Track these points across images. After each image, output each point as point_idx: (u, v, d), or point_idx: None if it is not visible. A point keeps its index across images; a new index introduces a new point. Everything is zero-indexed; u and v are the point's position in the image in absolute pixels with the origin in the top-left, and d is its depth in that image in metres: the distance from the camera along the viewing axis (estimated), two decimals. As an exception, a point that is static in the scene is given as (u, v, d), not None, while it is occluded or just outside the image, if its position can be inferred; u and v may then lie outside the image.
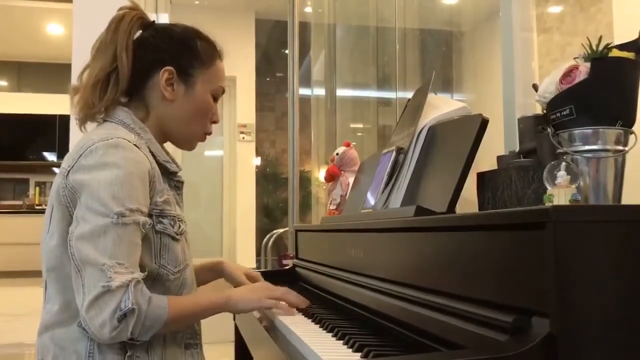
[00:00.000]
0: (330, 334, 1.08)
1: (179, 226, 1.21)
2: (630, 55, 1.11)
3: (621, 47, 1.13)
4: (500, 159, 1.31)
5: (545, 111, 1.20)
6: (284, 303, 1.29)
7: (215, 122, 1.34)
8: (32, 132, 8.37)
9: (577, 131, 1.11)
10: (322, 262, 1.67)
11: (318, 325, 1.17)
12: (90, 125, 1.27)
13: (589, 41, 1.14)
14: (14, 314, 5.25)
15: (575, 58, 1.17)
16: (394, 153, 1.34)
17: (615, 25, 1.87)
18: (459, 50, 5.00)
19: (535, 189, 1.11)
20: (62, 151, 8.04)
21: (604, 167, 1.11)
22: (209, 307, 1.20)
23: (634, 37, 1.13)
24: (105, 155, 1.11)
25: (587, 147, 1.11)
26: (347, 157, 2.13)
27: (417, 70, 4.55)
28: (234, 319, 1.74)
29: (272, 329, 1.26)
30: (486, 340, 0.74)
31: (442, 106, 1.33)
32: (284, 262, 2.58)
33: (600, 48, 1.12)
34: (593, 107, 1.10)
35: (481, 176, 1.24)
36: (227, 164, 6.65)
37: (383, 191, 1.35)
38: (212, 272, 1.51)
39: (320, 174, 4.48)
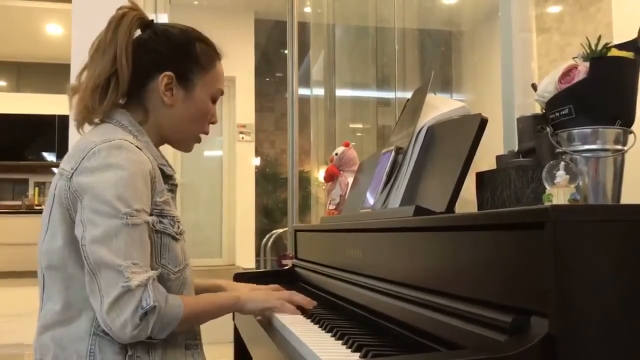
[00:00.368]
0: (330, 334, 1.08)
1: (178, 226, 1.22)
2: (629, 54, 1.11)
3: (620, 46, 1.13)
4: (499, 158, 1.31)
5: (544, 111, 1.19)
6: (290, 305, 1.30)
7: (213, 123, 1.35)
8: (32, 132, 8.34)
9: (576, 131, 1.11)
10: (322, 262, 1.67)
11: (317, 325, 1.18)
12: (88, 127, 1.26)
13: (588, 41, 1.14)
14: (14, 314, 5.24)
15: (574, 58, 1.17)
16: (393, 153, 1.34)
17: (614, 25, 1.87)
18: (458, 51, 5.00)
19: (535, 189, 1.10)
20: (61, 151, 8.02)
21: (603, 167, 1.10)
22: (220, 306, 1.23)
23: (633, 36, 1.13)
24: (109, 156, 1.12)
25: (586, 147, 1.10)
26: (347, 157, 2.13)
27: (417, 70, 4.55)
28: (234, 319, 1.74)
29: (271, 329, 1.26)
30: (485, 340, 0.74)
31: (441, 106, 1.33)
32: (284, 262, 2.58)
33: (600, 48, 1.12)
34: (592, 107, 1.10)
35: (480, 176, 1.23)
36: (227, 164, 6.65)
37: (382, 191, 1.35)
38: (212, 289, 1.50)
39: (320, 174, 4.48)
